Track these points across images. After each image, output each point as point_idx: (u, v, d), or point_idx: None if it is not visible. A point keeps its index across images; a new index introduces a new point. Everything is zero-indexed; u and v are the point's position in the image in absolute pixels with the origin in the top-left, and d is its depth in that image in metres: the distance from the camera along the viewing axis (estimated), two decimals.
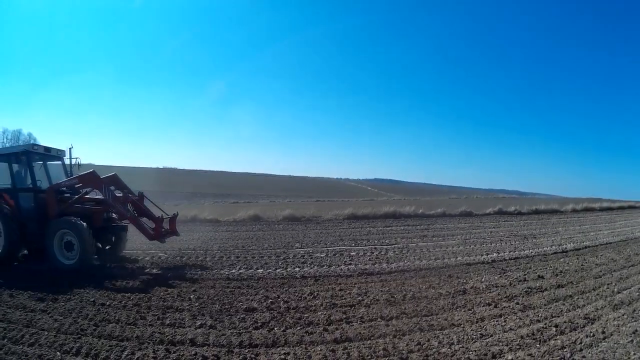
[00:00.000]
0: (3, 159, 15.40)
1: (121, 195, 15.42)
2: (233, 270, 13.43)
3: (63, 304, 9.46)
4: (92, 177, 15.24)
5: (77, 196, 15.22)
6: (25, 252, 15.74)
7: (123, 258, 15.80)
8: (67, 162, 16.79)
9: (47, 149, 16.00)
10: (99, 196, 15.32)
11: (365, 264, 14.31)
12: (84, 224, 14.14)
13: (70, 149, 15.75)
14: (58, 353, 6.88)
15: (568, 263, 14.29)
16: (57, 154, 16.47)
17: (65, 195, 15.50)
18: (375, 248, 17.31)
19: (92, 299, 9.79)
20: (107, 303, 9.58)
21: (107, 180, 15.46)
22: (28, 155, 15.21)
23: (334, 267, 13.88)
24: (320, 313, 9.03)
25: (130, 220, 15.12)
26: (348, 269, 13.57)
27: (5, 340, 7.41)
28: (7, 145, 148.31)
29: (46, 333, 7.71)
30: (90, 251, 14.32)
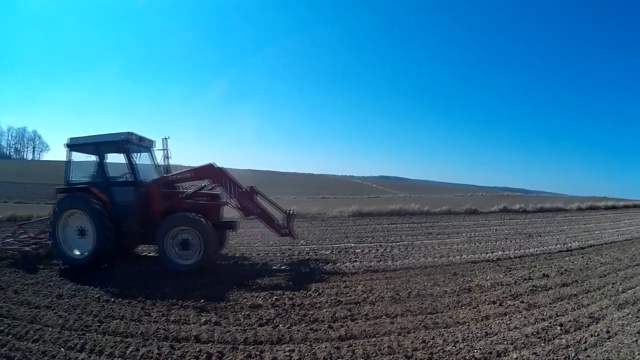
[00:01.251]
0: (89, 150, 14.71)
1: (247, 189, 14.55)
2: (237, 268, 13.46)
3: (67, 300, 9.51)
4: (212, 170, 14.47)
5: (190, 191, 14.58)
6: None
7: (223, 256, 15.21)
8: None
9: (141, 139, 15.08)
10: (198, 189, 14.67)
11: (370, 261, 14.25)
12: (205, 220, 13.46)
13: (166, 139, 14.91)
14: (62, 349, 6.92)
15: (573, 262, 14.28)
16: (148, 145, 15.58)
17: (168, 190, 14.70)
18: (380, 245, 17.27)
19: (96, 295, 9.84)
20: (112, 299, 9.61)
21: (210, 173, 14.53)
22: (128, 144, 14.26)
23: (339, 264, 13.80)
24: (325, 310, 9.04)
25: (259, 216, 14.49)
26: (353, 266, 13.54)
27: (10, 336, 7.44)
28: (12, 142, 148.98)
29: (50, 329, 7.74)
30: (214, 250, 13.65)
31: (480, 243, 18.02)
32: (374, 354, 6.85)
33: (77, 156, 14.66)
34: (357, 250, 15.90)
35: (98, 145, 14.42)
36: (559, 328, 7.92)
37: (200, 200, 14.62)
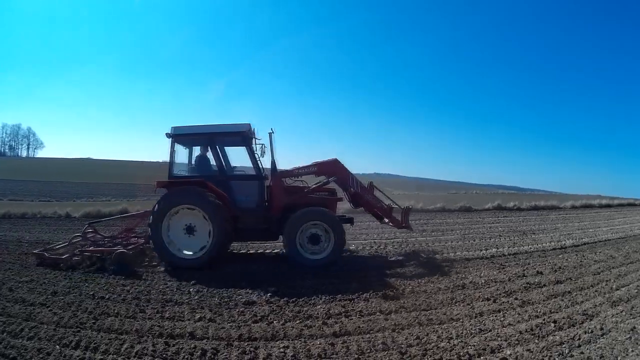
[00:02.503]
0: (200, 141, 14.19)
1: (368, 185, 14.89)
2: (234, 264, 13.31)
3: (62, 297, 9.45)
4: (336, 165, 14.55)
5: (314, 185, 14.59)
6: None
7: None
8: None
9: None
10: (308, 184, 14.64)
11: (365, 258, 14.29)
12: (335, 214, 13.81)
13: (271, 133, 13.65)
14: (57, 346, 6.90)
15: (567, 259, 14.35)
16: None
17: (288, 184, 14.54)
18: (374, 242, 17.40)
19: (91, 293, 9.80)
20: (107, 296, 9.57)
21: (334, 168, 14.48)
22: (250, 136, 13.87)
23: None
24: (319, 306, 9.07)
25: (381, 210, 14.73)
26: (345, 264, 13.48)
27: (5, 334, 7.41)
28: (6, 140, 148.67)
29: (45, 327, 7.72)
30: (344, 244, 13.68)
31: (474, 240, 18.05)
32: (368, 350, 6.89)
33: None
34: (351, 247, 15.88)
35: (214, 135, 13.91)
36: (552, 325, 7.97)
37: (322, 195, 14.60)
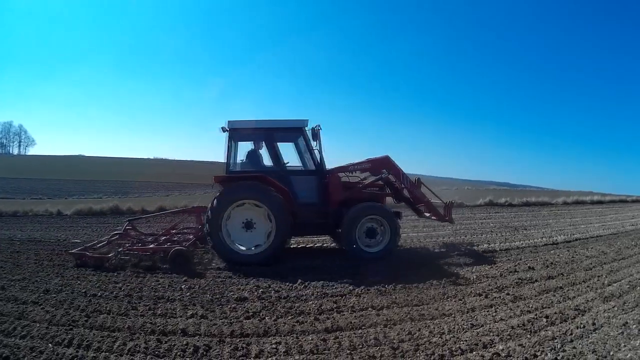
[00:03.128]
0: (258, 136, 14.33)
1: (416, 180, 15.27)
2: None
3: (54, 295, 9.41)
4: (389, 161, 14.88)
5: (368, 181, 14.97)
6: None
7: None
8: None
9: None
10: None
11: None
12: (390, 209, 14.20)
13: (319, 129, 13.76)
14: (50, 345, 6.86)
15: (559, 255, 14.36)
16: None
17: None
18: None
19: (83, 290, 9.74)
20: (99, 294, 9.54)
21: (387, 164, 14.86)
22: (305, 131, 14.04)
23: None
24: (311, 302, 9.08)
25: (427, 205, 15.21)
26: (333, 260, 13.52)
27: None
28: None
29: (38, 325, 7.67)
30: (399, 238, 14.17)
31: (466, 236, 18.11)
32: (360, 346, 6.89)
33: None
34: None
35: (273, 131, 14.28)
36: (544, 320, 7.97)
37: (373, 190, 14.93)
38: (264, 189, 12.87)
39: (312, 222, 13.95)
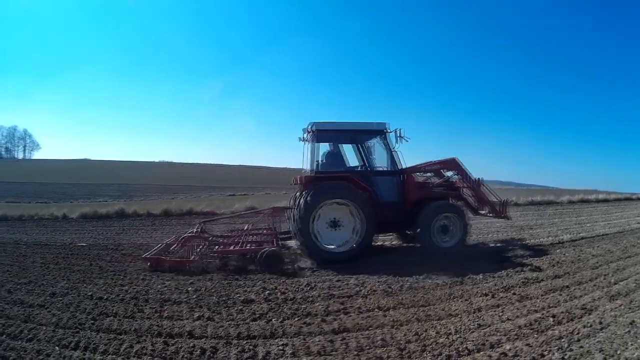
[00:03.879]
0: (342, 138, 15.38)
1: (477, 180, 15.98)
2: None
3: (61, 298, 9.42)
4: (456, 163, 15.76)
5: (439, 180, 15.98)
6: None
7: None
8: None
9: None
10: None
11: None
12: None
13: (399, 132, 14.36)
14: (56, 347, 6.84)
15: (565, 254, 14.34)
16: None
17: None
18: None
19: (89, 293, 9.75)
20: (105, 297, 9.53)
21: (455, 165, 15.88)
22: (388, 133, 14.75)
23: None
24: (317, 304, 9.06)
25: (488, 204, 15.92)
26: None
27: (4, 336, 7.36)
28: (2, 142, 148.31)
29: (44, 328, 7.66)
30: (468, 234, 15.29)
31: (471, 236, 17.99)
32: (368, 347, 6.86)
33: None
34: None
35: (357, 132, 15.09)
36: (551, 319, 7.93)
37: (443, 190, 15.85)
38: (352, 189, 13.65)
39: (391, 220, 14.62)
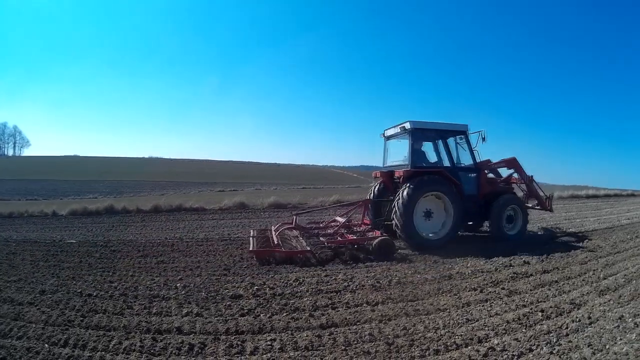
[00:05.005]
0: (430, 136, 16.98)
1: (531, 176, 18.59)
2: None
3: (50, 296, 9.39)
4: (516, 161, 18.26)
5: (504, 177, 18.54)
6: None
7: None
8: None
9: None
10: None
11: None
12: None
13: (483, 133, 16.37)
14: (46, 345, 6.83)
15: (553, 249, 14.41)
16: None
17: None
18: None
19: (79, 290, 9.71)
20: (94, 294, 9.50)
21: (516, 163, 18.34)
22: (467, 133, 16.48)
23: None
24: (306, 299, 9.06)
25: (538, 198, 18.74)
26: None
27: None
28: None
29: (34, 325, 7.65)
30: (527, 224, 17.64)
31: (461, 231, 18.23)
32: (355, 342, 6.87)
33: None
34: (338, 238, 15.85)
35: (445, 132, 16.53)
36: (540, 314, 7.98)
37: (505, 185, 18.40)
38: (445, 183, 15.32)
39: (470, 212, 16.27)
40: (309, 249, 13.24)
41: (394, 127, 16.62)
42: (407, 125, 15.46)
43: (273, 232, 15.07)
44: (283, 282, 10.46)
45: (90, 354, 6.49)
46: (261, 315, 8.14)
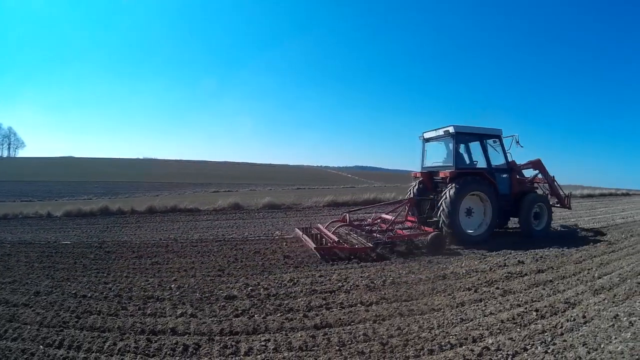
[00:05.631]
0: (470, 139, 17.85)
1: (553, 176, 20.05)
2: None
3: (45, 297, 9.38)
4: (540, 163, 19.66)
5: (530, 177, 19.73)
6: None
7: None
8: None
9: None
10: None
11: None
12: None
13: (517, 138, 18.05)
14: (41, 346, 6.82)
15: (548, 248, 14.48)
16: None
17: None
18: None
19: (73, 291, 9.71)
20: (89, 295, 9.49)
21: (541, 165, 19.69)
22: (502, 137, 17.81)
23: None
24: (300, 299, 9.06)
25: (558, 197, 20.12)
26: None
27: None
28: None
29: (29, 327, 7.63)
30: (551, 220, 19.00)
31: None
32: (349, 342, 6.87)
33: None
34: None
35: (484, 136, 17.63)
36: (534, 313, 8.00)
37: (532, 185, 19.65)
38: (485, 183, 16.54)
39: (504, 209, 17.55)
40: (370, 245, 14.04)
41: (435, 130, 17.68)
42: (451, 129, 16.50)
43: (324, 230, 16.00)
44: (277, 282, 10.45)
45: (85, 355, 6.49)
46: (255, 315, 8.14)
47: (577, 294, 9.24)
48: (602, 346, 6.44)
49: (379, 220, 17.77)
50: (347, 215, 17.70)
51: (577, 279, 10.48)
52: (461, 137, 17.01)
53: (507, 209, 17.71)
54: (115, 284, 10.49)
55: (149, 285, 10.29)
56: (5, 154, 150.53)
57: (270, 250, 14.57)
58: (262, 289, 9.83)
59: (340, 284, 10.22)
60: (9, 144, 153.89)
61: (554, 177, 20.03)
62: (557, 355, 6.22)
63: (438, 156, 18.25)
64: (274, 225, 21.04)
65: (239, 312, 8.34)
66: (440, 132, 17.21)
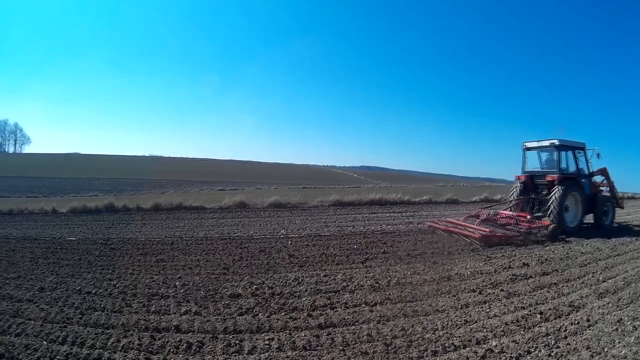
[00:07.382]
0: (568, 149, 20.44)
1: (612, 181, 22.88)
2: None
3: (49, 293, 9.38)
4: (606, 170, 22.38)
5: (599, 182, 22.32)
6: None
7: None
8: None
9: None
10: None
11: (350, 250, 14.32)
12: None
13: (597, 150, 21.08)
14: (44, 342, 6.80)
15: (553, 251, 14.41)
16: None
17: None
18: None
19: (77, 288, 9.72)
20: (93, 291, 9.50)
21: (606, 172, 22.52)
22: (585, 148, 21.06)
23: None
24: (304, 299, 9.05)
25: (616, 198, 22.90)
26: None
27: None
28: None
29: (33, 323, 7.63)
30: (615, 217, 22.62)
31: None
32: (353, 342, 6.85)
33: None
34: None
35: (575, 147, 20.73)
36: (538, 316, 7.96)
37: (601, 188, 22.49)
38: (579, 185, 20.03)
39: (587, 208, 20.56)
40: (519, 234, 17.26)
41: (537, 141, 20.85)
42: (556, 142, 19.66)
43: (463, 223, 18.63)
44: (282, 281, 10.44)
45: (89, 352, 6.48)
46: (259, 314, 8.14)
47: (582, 297, 9.19)
48: (605, 350, 6.43)
49: (497, 216, 19.83)
50: (485, 210, 20.64)
51: (582, 282, 10.43)
52: (562, 148, 19.92)
53: (586, 207, 20.34)
54: (119, 280, 10.49)
55: (154, 283, 10.30)
56: (11, 150, 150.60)
57: (276, 249, 14.55)
58: (266, 288, 9.83)
59: (344, 283, 10.19)
60: (15, 140, 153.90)
61: (613, 182, 22.78)
62: (560, 359, 6.22)
63: (536, 162, 21.59)
64: (279, 224, 21.02)
65: (243, 310, 8.34)
66: (545, 143, 20.27)
